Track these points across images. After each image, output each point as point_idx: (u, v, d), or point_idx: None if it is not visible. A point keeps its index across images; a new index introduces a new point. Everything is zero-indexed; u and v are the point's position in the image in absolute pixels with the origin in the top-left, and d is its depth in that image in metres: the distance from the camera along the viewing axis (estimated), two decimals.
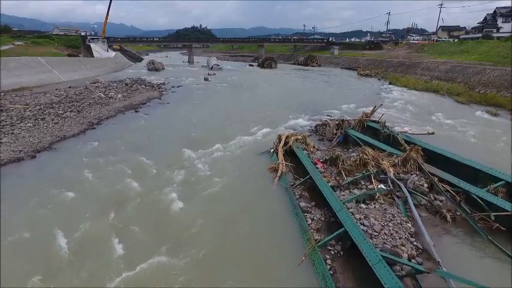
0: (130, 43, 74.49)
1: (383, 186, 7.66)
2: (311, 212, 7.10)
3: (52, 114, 15.25)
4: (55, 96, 19.32)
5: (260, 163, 10.44)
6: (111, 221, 6.91)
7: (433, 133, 9.52)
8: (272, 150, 11.19)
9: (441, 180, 7.94)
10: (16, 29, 67.46)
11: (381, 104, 12.96)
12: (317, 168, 8.73)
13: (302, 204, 7.31)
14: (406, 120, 16.25)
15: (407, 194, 7.04)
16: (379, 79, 36.58)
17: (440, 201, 7.41)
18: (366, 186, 7.78)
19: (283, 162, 9.64)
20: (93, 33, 62.26)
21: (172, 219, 7.00)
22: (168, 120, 16.13)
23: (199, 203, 7.68)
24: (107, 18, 72.83)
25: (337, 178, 8.22)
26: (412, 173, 8.48)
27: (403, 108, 19.23)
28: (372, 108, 13.14)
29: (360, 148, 11.04)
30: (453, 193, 7.45)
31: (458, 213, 7.05)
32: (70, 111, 16.11)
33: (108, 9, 72.03)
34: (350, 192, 7.56)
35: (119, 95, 21.54)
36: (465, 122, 15.73)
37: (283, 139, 11.11)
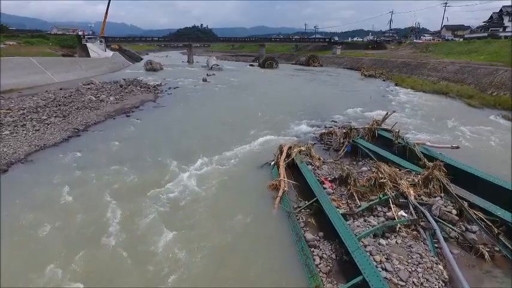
0: (129, 43, 73.26)
1: (404, 214, 6.45)
2: (319, 246, 5.90)
3: (34, 119, 14.08)
4: (42, 100, 18.15)
5: (259, 179, 9.24)
6: (78, 265, 5.71)
7: (457, 147, 8.26)
8: (273, 163, 10.01)
9: (471, 205, 6.72)
10: (14, 28, 66.23)
11: (394, 111, 11.74)
12: (325, 188, 7.53)
13: (308, 236, 6.11)
14: (417, 126, 15.00)
15: (436, 227, 5.82)
16: (384, 80, 35.32)
17: (473, 232, 6.19)
18: (384, 213, 6.56)
19: (285, 179, 8.44)
20: (90, 32, 61.17)
21: (151, 257, 5.81)
22: (160, 127, 14.93)
23: (186, 234, 6.49)
24: (105, 17, 71.99)
25: (349, 202, 7.02)
26: (436, 195, 7.27)
27: (412, 113, 17.98)
28: (384, 114, 11.92)
29: (371, 161, 9.93)
30: (488, 222, 6.25)
31: (497, 249, 5.84)
32: (55, 117, 14.93)
33: (107, 8, 71.26)
34: (365, 221, 6.36)
35: (111, 98, 20.37)
36: (483, 129, 14.43)
37: (285, 150, 9.92)
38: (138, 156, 10.75)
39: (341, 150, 11.01)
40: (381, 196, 6.79)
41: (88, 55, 44.67)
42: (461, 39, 55.06)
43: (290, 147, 10.09)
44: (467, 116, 17.23)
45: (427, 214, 6.20)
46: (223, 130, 14.22)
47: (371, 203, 6.67)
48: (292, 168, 9.49)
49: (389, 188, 6.99)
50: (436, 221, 6.32)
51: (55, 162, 10.29)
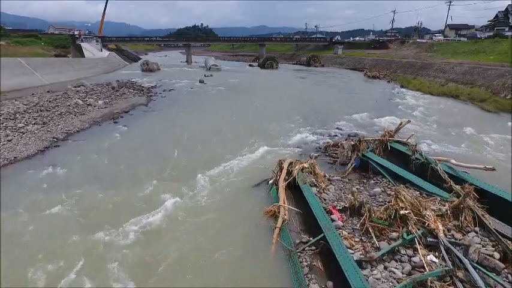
0: (127, 42, 71.99)
1: (434, 259, 5.13)
2: None
3: (9, 128, 12.77)
4: (23, 104, 16.83)
5: (254, 202, 7.93)
6: None
7: (493, 169, 6.89)
8: (271, 181, 8.70)
9: None
10: (10, 28, 64.84)
11: (409, 121, 10.39)
12: (333, 220, 6.21)
13: None
14: (430, 135, 13.63)
15: (482, 284, 4.49)
16: (388, 81, 34.02)
17: None
18: (409, 257, 5.24)
19: (285, 205, 7.12)
20: (86, 32, 59.92)
21: None
22: (148, 136, 13.59)
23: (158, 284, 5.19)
24: (103, 16, 70.89)
25: (364, 241, 5.69)
26: (469, 229, 5.96)
27: (424, 118, 16.61)
28: (394, 121, 10.59)
29: (384, 180, 8.62)
30: None
31: None
32: (33, 124, 13.63)
33: (105, 8, 70.13)
34: (386, 268, 5.04)
35: (100, 102, 19.07)
36: (507, 139, 12.98)
37: (285, 167, 8.59)
38: (116, 173, 9.45)
39: (348, 165, 9.69)
40: (405, 236, 5.45)
41: (82, 55, 43.43)
42: (464, 39, 53.37)
43: (291, 163, 8.76)
44: (484, 122, 15.84)
45: (467, 262, 4.86)
46: (216, 139, 12.92)
47: (393, 245, 5.33)
48: (294, 188, 8.19)
49: (414, 223, 5.65)
50: (474, 268, 5.00)
51: (23, 180, 9.01)
